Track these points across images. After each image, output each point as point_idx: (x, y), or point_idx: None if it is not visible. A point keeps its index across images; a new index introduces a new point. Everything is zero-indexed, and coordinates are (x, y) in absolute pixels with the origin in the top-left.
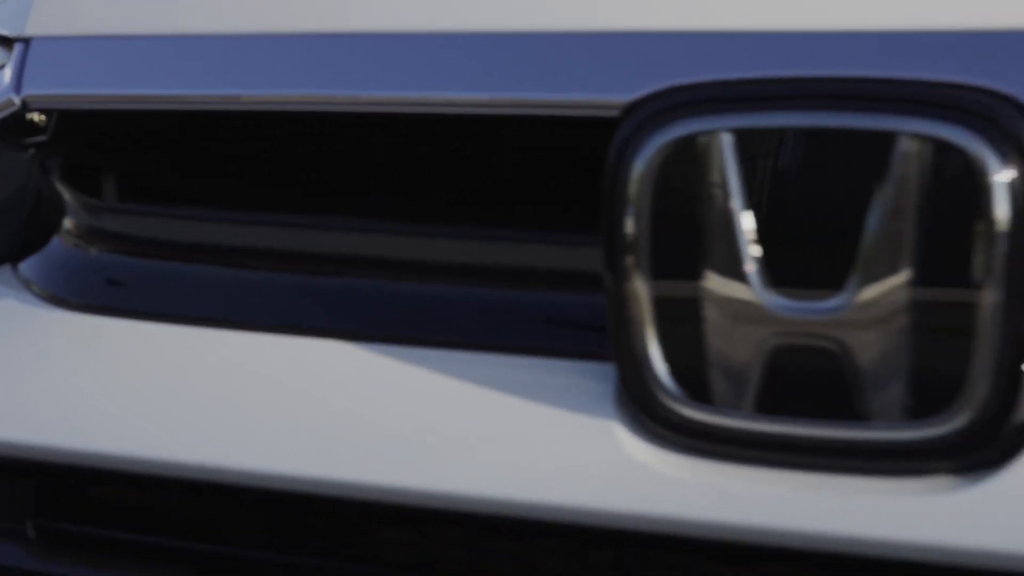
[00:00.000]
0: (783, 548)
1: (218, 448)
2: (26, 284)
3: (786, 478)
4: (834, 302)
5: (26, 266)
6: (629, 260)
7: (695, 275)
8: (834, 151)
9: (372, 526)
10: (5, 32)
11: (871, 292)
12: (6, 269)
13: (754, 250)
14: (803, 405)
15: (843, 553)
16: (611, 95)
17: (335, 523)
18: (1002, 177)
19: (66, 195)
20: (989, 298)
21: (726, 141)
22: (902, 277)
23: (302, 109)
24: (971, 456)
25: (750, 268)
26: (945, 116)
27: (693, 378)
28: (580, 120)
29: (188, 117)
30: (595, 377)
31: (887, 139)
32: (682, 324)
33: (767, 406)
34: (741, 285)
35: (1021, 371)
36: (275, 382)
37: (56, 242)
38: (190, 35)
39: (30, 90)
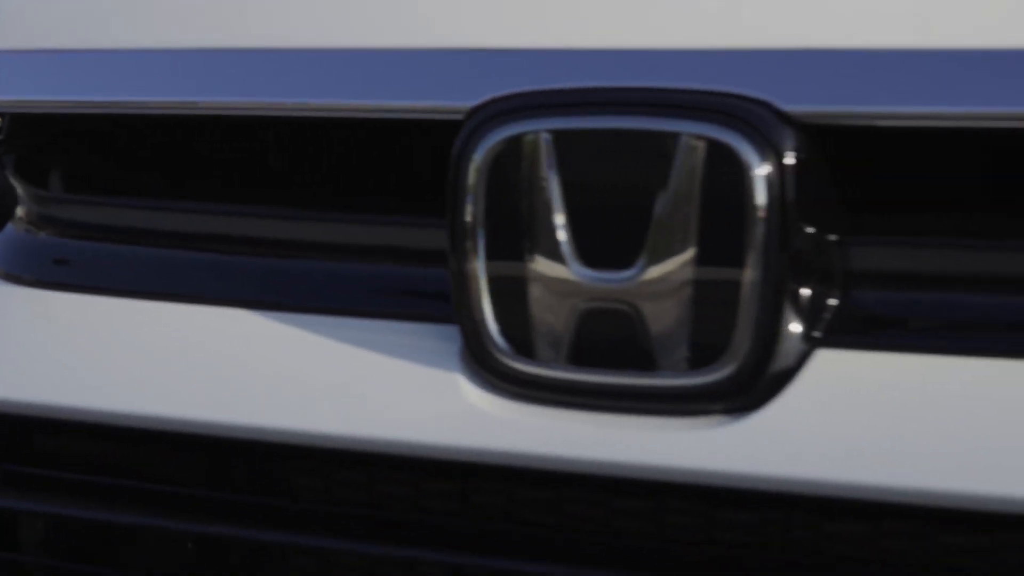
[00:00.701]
0: (594, 475)
1: (149, 398)
2: None
3: (594, 418)
4: (628, 274)
5: None
6: (468, 242)
7: (521, 253)
8: (632, 149)
9: (277, 464)
10: None
11: (657, 265)
12: None
13: (568, 232)
14: (606, 358)
15: (639, 478)
16: (457, 101)
17: (244, 461)
18: (761, 171)
19: (18, 187)
20: (750, 272)
21: (546, 140)
22: (682, 253)
23: (209, 112)
24: (737, 399)
25: (564, 247)
26: (717, 120)
27: (520, 337)
28: (434, 123)
29: (120, 119)
30: (444, 338)
31: (672, 139)
32: (511, 293)
33: (578, 359)
34: (557, 260)
35: (775, 332)
36: (192, 342)
37: (10, 228)
38: (120, 50)
39: None
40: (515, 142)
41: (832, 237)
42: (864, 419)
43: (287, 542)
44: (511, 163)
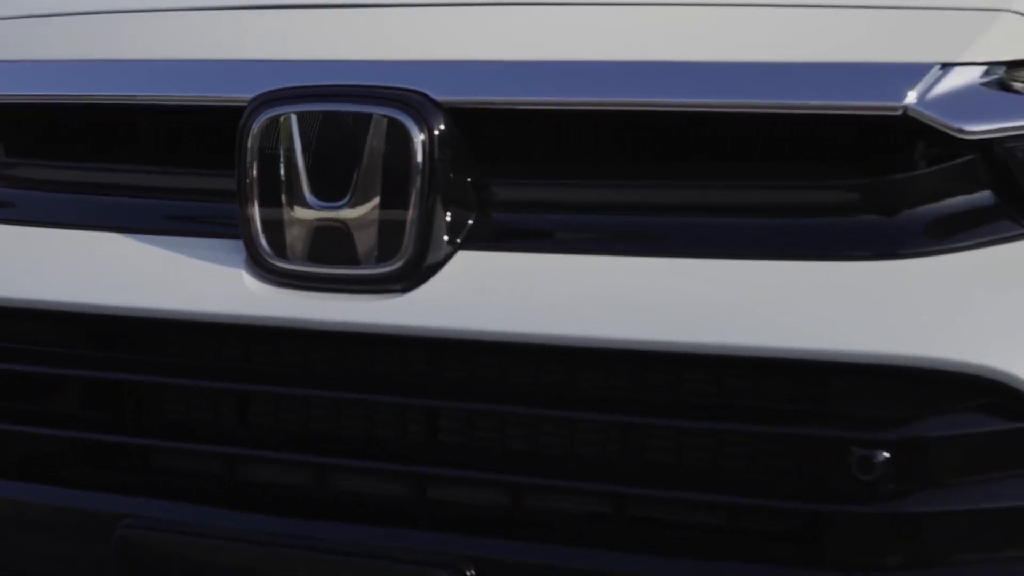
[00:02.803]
0: (323, 331)
1: (54, 289)
2: None
3: (322, 295)
4: (342, 203)
5: None
6: (249, 190)
7: (279, 191)
8: (345, 125)
9: (142, 331)
10: None
11: (359, 198)
12: None
13: (306, 178)
14: (330, 257)
15: (348, 331)
16: (243, 93)
17: (112, 332)
18: (419, 139)
19: None
20: (413, 203)
21: (294, 119)
22: (373, 190)
23: (92, 103)
24: (405, 281)
25: (304, 187)
26: (394, 105)
27: (279, 246)
28: (229, 107)
29: (44, 108)
30: (235, 249)
31: (367, 118)
32: (274, 218)
33: (313, 258)
34: (300, 196)
35: (428, 240)
36: (75, 253)
37: None
38: (46, 60)
39: None
40: (276, 120)
41: (469, 179)
42: (485, 291)
43: (157, 383)
44: (274, 134)
